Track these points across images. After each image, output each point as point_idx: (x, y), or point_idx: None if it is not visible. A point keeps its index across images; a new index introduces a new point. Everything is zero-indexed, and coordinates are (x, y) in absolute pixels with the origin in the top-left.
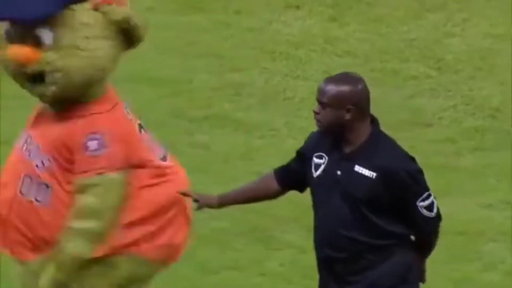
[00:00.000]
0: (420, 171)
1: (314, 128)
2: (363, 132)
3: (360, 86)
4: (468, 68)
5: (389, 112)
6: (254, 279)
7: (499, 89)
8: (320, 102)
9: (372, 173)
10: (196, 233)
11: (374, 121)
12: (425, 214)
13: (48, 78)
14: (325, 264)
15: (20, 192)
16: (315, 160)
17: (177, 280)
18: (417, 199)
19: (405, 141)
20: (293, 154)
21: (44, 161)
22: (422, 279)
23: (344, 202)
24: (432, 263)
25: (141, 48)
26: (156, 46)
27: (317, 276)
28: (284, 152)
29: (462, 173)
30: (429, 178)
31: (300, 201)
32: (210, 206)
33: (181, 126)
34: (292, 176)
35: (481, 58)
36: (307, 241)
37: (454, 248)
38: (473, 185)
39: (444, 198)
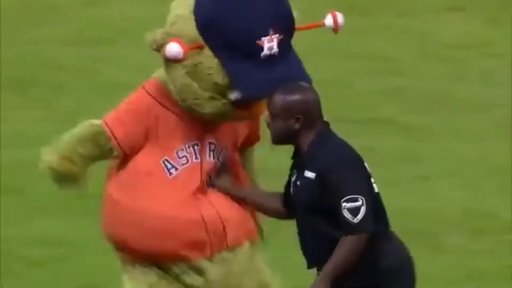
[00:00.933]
0: (353, 172)
1: (478, 129)
2: (311, 136)
3: (309, 96)
4: None
5: None
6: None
7: None
8: (270, 113)
9: (312, 174)
10: None
11: (323, 123)
12: (346, 217)
13: None
14: None
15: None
16: (292, 179)
17: None
18: (342, 197)
19: None
20: (453, 158)
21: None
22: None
23: (301, 211)
24: None
25: (301, 51)
26: (316, 48)
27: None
28: (450, 156)
29: None
30: None
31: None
32: (220, 189)
33: (343, 129)
34: (290, 200)
35: None
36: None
37: None
38: None
39: None
